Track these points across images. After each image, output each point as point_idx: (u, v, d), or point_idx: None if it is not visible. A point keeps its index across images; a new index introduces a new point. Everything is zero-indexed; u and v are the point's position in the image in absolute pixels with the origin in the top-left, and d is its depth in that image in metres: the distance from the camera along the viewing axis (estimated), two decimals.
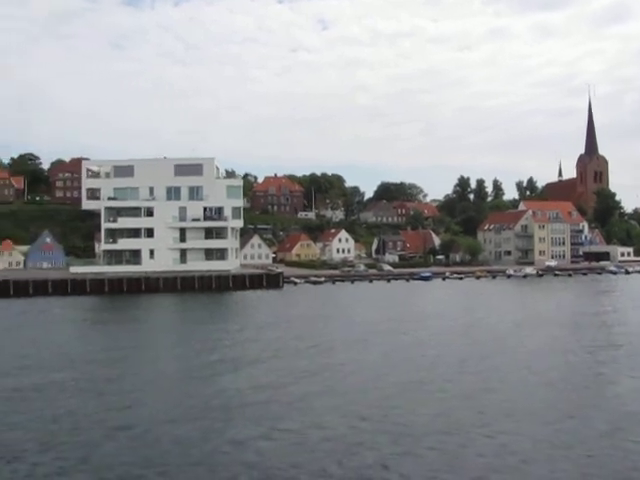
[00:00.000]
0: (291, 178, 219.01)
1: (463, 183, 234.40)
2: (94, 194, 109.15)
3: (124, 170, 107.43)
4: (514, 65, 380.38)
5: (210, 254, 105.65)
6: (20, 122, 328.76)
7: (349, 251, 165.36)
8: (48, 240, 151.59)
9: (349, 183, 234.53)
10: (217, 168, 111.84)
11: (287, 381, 30.64)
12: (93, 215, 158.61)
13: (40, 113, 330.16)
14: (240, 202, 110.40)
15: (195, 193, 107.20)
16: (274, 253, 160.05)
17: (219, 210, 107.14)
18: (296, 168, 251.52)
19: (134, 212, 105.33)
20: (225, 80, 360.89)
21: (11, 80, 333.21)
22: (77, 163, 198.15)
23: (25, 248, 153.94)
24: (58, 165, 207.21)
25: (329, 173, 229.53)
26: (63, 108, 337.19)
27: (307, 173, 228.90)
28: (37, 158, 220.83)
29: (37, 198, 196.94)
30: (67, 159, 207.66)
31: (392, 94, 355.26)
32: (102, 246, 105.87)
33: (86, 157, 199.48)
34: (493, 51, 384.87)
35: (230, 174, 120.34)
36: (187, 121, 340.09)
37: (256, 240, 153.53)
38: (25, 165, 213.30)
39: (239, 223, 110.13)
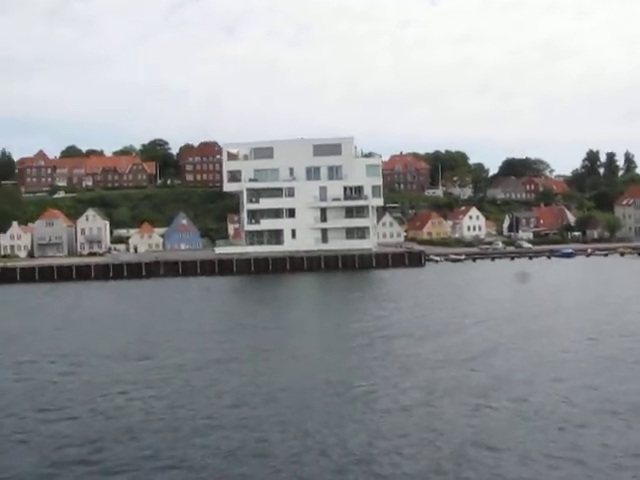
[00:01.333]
0: (415, 156, 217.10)
1: (592, 157, 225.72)
2: (234, 176, 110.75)
3: (263, 152, 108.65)
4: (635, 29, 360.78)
5: (351, 233, 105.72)
6: (148, 109, 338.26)
7: (480, 229, 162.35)
8: (184, 222, 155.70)
9: (471, 160, 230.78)
10: (355, 147, 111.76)
11: None
12: (224, 197, 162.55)
13: (165, 100, 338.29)
14: (379, 180, 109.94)
15: (334, 173, 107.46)
16: (405, 231, 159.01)
17: (359, 189, 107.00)
18: (416, 145, 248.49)
19: (275, 193, 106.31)
20: (336, 58, 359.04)
21: (135, 69, 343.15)
22: (205, 147, 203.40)
23: (162, 230, 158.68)
24: (187, 150, 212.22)
25: (452, 150, 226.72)
26: (184, 93, 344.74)
27: (429, 151, 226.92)
28: (166, 143, 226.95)
29: (168, 182, 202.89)
30: (195, 144, 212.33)
31: (504, 67, 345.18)
32: (245, 227, 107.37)
33: (213, 141, 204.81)
34: (610, 16, 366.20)
35: (366, 154, 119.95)
36: (297, 101, 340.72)
37: (387, 219, 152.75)
38: (155, 151, 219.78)
39: (379, 201, 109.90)
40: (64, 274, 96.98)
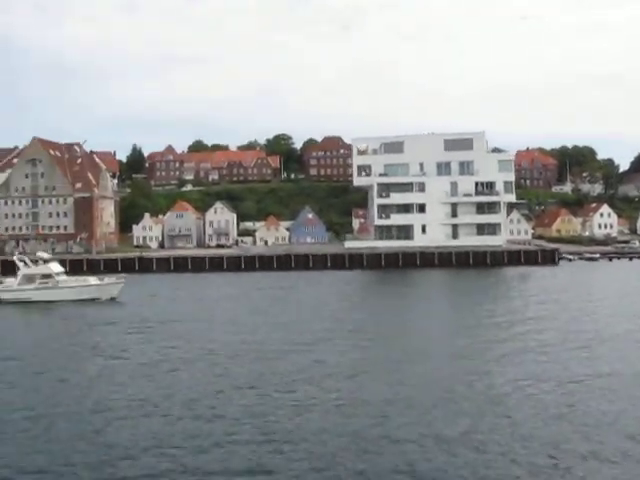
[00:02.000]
0: (541, 151, 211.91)
1: None
2: (363, 171, 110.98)
3: (393, 146, 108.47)
4: None
5: (481, 229, 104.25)
6: (270, 104, 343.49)
7: (611, 226, 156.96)
8: (310, 216, 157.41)
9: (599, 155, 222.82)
10: (486, 142, 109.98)
11: None
12: (348, 192, 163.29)
13: (289, 95, 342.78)
14: (511, 176, 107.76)
15: (466, 168, 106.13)
16: (532, 228, 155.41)
17: (490, 185, 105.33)
18: (541, 140, 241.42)
19: (405, 188, 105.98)
20: (449, 53, 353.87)
21: (249, 66, 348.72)
22: (329, 142, 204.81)
23: (288, 224, 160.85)
24: (311, 144, 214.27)
25: (579, 145, 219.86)
26: (301, 89, 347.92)
27: (555, 146, 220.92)
28: (290, 138, 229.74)
29: (292, 176, 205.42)
30: (318, 138, 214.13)
31: (629, 59, 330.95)
32: (375, 221, 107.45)
33: (337, 136, 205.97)
34: None
35: (495, 149, 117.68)
36: (415, 97, 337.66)
37: (515, 215, 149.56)
38: (279, 145, 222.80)
39: (511, 197, 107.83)
40: (197, 265, 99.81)
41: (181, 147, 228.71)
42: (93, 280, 55.45)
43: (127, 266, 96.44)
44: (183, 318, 43.99)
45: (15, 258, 57.21)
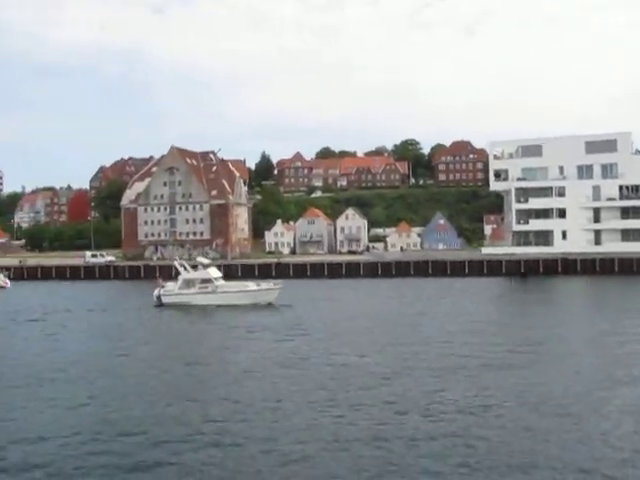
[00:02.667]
0: None
1: None
2: (500, 175, 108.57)
3: (531, 150, 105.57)
4: None
5: (627, 235, 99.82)
6: (398, 110, 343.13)
7: None
8: (441, 222, 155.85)
9: None
10: (632, 143, 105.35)
11: None
12: (479, 197, 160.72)
13: (410, 100, 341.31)
14: None
15: (609, 171, 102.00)
16: None
17: (636, 188, 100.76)
18: None
19: (545, 192, 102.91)
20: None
21: (381, 70, 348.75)
22: (457, 146, 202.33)
23: (418, 230, 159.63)
24: (439, 149, 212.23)
25: None
26: (432, 94, 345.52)
27: None
28: (417, 143, 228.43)
29: (420, 182, 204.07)
30: (447, 143, 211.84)
31: None
32: (513, 227, 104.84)
33: (465, 140, 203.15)
34: None
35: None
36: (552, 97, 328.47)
37: None
38: (407, 151, 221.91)
39: None
40: (334, 271, 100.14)
41: (309, 154, 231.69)
42: (252, 285, 56.33)
43: (264, 272, 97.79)
44: (373, 324, 43.03)
45: (175, 263, 58.98)
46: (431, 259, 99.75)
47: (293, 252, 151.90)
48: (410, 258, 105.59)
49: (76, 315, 52.32)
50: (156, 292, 55.76)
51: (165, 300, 54.80)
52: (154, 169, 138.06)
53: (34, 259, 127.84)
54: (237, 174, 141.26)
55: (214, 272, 56.71)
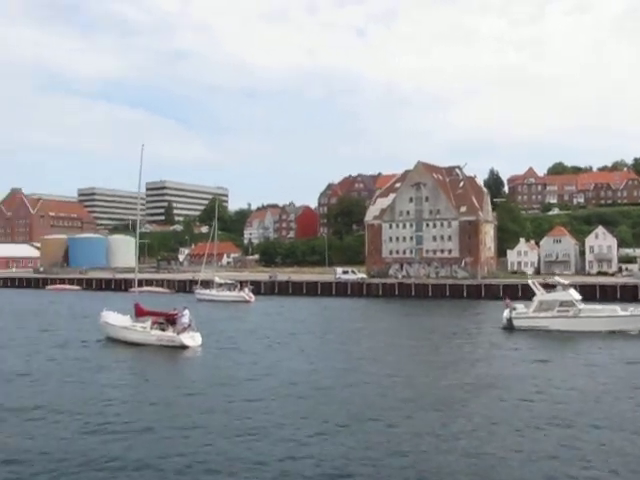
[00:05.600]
0: None
1: None
2: None
3: None
4: None
5: None
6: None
7: None
8: None
9: None
10: None
11: None
12: None
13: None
14: None
15: None
16: None
17: None
18: None
19: None
20: None
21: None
22: None
23: None
24: None
25: None
26: None
27: None
28: None
29: None
30: None
31: None
32: None
33: None
34: None
35: None
36: None
37: None
38: None
39: None
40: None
41: (541, 170, 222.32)
42: (621, 310, 50.26)
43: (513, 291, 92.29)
44: None
45: (529, 282, 54.33)
46: None
47: (537, 272, 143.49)
48: None
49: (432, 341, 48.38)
50: (506, 314, 51.40)
51: (517, 323, 50.11)
52: (398, 184, 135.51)
53: (283, 274, 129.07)
54: (485, 190, 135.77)
55: (574, 294, 51.19)
